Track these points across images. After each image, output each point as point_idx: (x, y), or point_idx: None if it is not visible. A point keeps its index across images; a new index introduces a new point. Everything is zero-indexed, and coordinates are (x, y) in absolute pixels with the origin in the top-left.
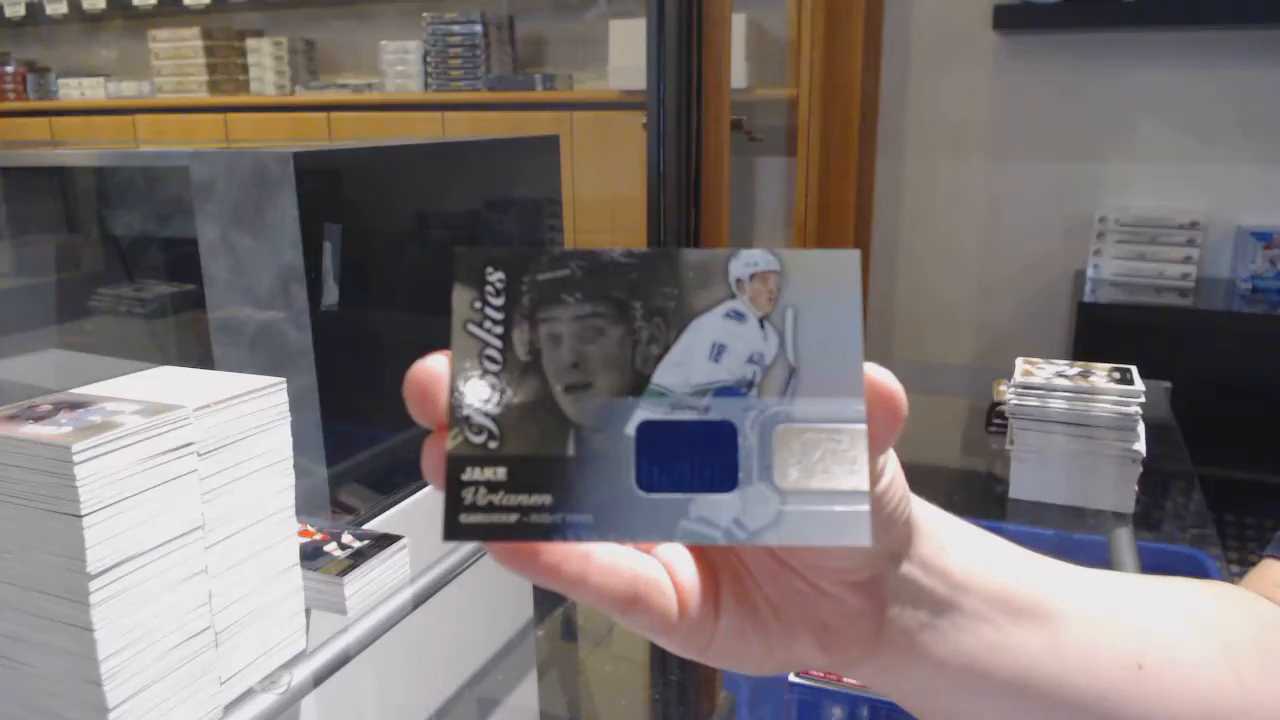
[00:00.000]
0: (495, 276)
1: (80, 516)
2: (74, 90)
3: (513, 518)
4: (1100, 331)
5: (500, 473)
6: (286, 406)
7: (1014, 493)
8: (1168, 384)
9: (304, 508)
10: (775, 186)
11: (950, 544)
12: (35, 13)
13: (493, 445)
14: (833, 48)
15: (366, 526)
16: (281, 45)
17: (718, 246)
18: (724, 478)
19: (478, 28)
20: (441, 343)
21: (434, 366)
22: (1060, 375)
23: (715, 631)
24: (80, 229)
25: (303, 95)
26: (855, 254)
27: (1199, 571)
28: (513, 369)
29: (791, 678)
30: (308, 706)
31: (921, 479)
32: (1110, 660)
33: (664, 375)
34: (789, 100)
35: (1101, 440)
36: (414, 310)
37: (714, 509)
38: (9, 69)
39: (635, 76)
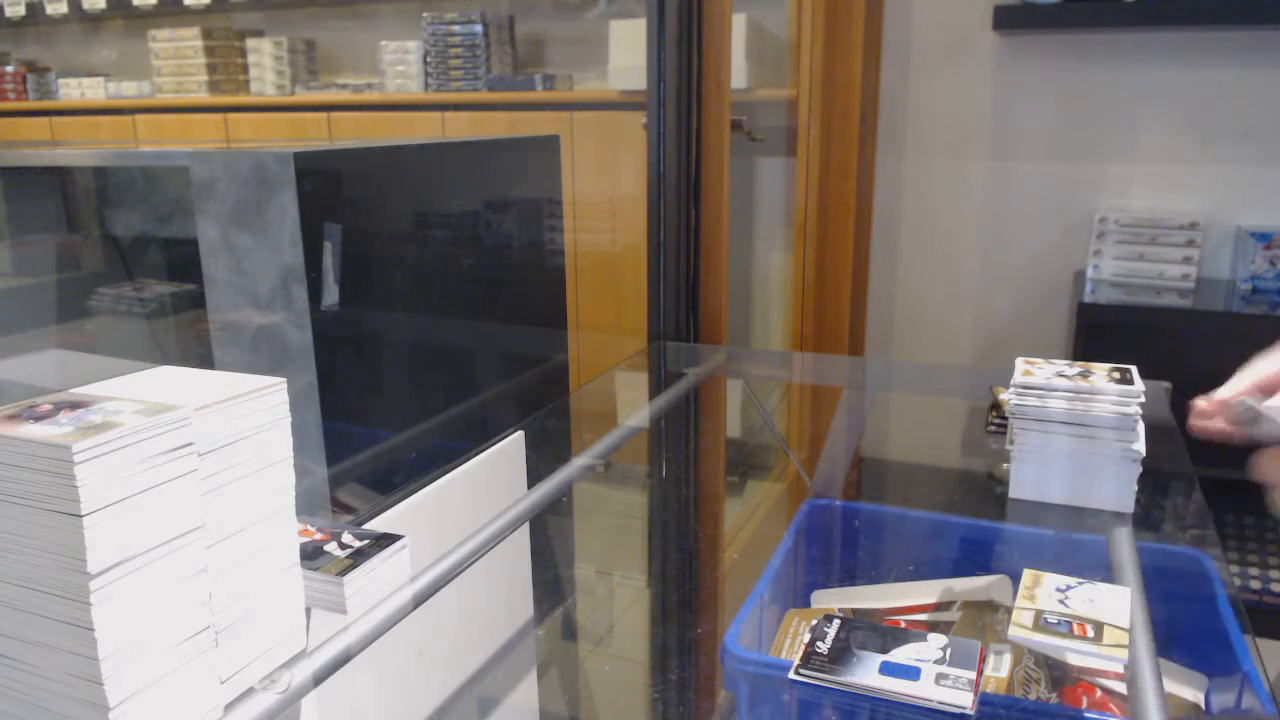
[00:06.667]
0: None
1: (80, 516)
2: (74, 90)
3: None
4: (1100, 331)
5: None
6: (286, 406)
7: (1014, 493)
8: (1168, 384)
9: (304, 508)
10: (775, 186)
11: None
12: (35, 13)
13: None
14: (833, 48)
15: (366, 526)
16: (281, 45)
17: (718, 247)
18: None
19: (478, 28)
20: (441, 342)
21: None
22: (1060, 375)
23: None
24: (80, 229)
25: (303, 95)
26: None
27: (1199, 572)
28: None
29: (791, 676)
30: (308, 706)
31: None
32: None
33: None
34: (789, 100)
35: (1101, 440)
36: (414, 310)
37: None
38: (9, 69)
39: (635, 76)
